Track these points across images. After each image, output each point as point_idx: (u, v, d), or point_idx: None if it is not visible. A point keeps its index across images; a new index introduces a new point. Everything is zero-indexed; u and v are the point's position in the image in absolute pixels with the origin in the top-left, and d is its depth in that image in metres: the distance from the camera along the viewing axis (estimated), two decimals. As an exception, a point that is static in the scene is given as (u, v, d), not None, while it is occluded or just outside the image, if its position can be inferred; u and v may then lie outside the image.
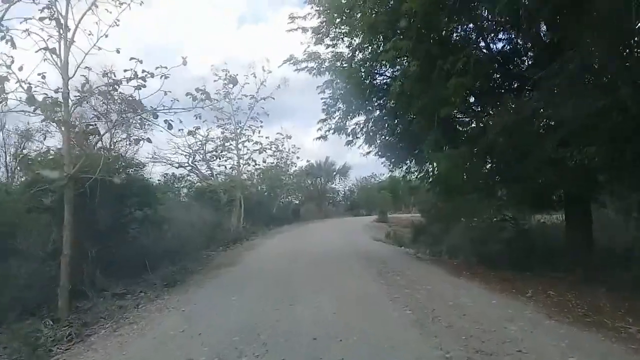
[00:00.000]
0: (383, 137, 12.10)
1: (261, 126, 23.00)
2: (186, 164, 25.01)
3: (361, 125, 12.04)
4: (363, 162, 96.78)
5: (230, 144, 23.01)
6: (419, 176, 12.76)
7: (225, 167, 24.22)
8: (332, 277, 9.66)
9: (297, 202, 44.40)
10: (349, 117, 11.92)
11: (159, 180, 23.04)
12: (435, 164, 10.48)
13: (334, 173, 51.82)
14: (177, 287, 9.48)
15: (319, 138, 12.25)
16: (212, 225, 19.67)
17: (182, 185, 27.25)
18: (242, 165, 23.62)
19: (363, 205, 54.68)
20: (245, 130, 22.87)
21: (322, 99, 12.05)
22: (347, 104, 11.78)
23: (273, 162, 31.81)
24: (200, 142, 23.62)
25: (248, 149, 23.57)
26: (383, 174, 67.81)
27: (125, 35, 26.79)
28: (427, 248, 14.71)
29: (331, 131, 12.05)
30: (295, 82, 38.26)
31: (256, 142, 23.65)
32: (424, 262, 12.26)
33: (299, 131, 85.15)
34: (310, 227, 30.42)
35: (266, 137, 24.41)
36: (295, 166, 34.16)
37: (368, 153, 12.36)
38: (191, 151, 24.31)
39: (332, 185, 54.31)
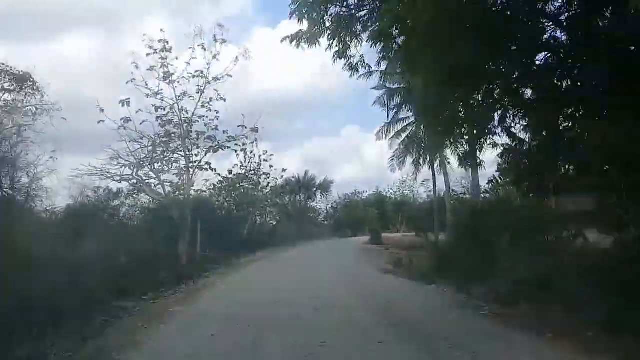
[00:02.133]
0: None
1: (217, 116, 16.73)
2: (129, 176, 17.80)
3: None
4: (345, 179, 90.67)
5: (176, 142, 16.61)
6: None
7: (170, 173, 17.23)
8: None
9: (273, 222, 38.02)
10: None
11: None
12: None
13: (315, 189, 45.69)
14: None
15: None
16: (147, 257, 13.26)
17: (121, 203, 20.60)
18: (192, 171, 17.20)
19: (348, 225, 48.61)
20: (196, 121, 16.58)
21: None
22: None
23: (241, 171, 25.58)
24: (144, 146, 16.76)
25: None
26: (366, 191, 62.02)
27: None
28: (465, 285, 9.86)
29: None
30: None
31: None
32: (497, 321, 6.40)
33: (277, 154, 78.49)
34: (292, 253, 24.06)
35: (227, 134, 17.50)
36: (269, 177, 27.88)
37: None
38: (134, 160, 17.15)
39: (313, 204, 48.15)
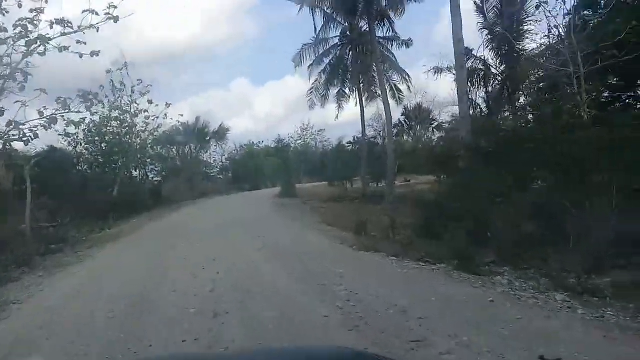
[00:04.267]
0: None
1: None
2: None
3: None
4: (235, 135, 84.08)
5: None
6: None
7: None
8: None
9: (157, 178, 31.22)
10: None
11: None
12: None
13: (208, 137, 39.06)
14: None
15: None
16: None
17: None
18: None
19: (247, 178, 43.15)
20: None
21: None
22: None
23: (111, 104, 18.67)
24: None
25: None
26: (262, 141, 56.45)
27: None
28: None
29: None
30: None
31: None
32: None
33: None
34: (183, 216, 18.31)
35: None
36: (148, 118, 21.20)
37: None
38: None
39: (206, 155, 41.47)
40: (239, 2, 72.93)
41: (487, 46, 20.52)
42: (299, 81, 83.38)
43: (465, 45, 19.95)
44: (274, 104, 75.16)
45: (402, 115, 47.00)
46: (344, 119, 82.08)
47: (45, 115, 10.25)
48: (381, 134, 46.18)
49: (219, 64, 74.97)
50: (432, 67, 21.39)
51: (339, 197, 22.80)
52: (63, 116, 10.69)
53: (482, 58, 20.84)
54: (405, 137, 52.45)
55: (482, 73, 20.99)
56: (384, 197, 21.32)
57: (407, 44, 23.60)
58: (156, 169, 32.70)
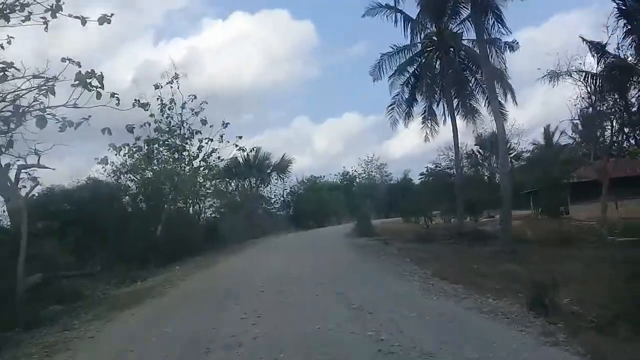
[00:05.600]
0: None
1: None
2: None
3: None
4: (295, 171, 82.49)
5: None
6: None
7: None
8: None
9: (215, 214, 28.03)
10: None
11: None
12: None
13: (269, 170, 35.85)
14: None
15: None
16: None
17: None
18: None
19: (310, 214, 39.21)
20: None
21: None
22: None
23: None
24: None
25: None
26: (323, 176, 52.47)
27: None
28: None
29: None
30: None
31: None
32: None
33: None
34: (241, 262, 14.37)
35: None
36: (202, 142, 17.92)
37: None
38: None
39: (267, 189, 37.98)
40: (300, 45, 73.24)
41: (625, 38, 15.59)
42: (356, 118, 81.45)
43: (591, 39, 15.17)
44: (331, 138, 74.64)
45: (475, 145, 41.38)
46: (406, 152, 78.67)
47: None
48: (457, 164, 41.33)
49: (278, 103, 75.77)
50: (547, 72, 16.68)
51: (427, 236, 18.20)
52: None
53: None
54: (480, 169, 46.59)
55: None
56: (487, 237, 16.58)
57: (512, 47, 19.06)
58: (214, 205, 29.78)
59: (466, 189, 21.25)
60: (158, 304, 7.73)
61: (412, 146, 74.97)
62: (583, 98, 16.14)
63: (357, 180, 53.58)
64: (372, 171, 56.22)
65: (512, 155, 49.78)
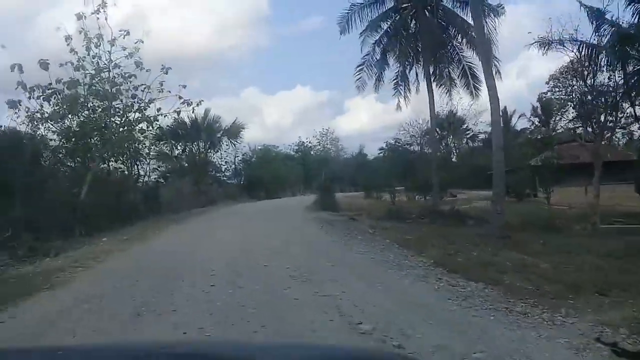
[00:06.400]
0: None
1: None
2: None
3: None
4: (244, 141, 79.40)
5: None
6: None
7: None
8: None
9: (159, 178, 25.08)
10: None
11: None
12: None
13: (219, 134, 32.87)
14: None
15: None
16: None
17: None
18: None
19: (264, 184, 36.71)
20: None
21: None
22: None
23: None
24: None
25: None
26: (277, 146, 49.52)
27: None
28: None
29: None
30: None
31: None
32: None
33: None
34: (184, 236, 11.97)
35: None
36: (136, 86, 14.79)
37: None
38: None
39: (216, 156, 34.87)
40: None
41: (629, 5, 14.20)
42: (309, 92, 79.91)
43: (590, 4, 13.72)
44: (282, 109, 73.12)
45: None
46: (357, 127, 77.64)
47: None
48: (420, 140, 40.32)
49: (228, 71, 72.28)
50: (537, 37, 15.04)
51: (398, 214, 16.64)
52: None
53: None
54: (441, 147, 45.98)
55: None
56: (464, 217, 15.30)
57: (498, 11, 17.43)
58: (159, 169, 26.70)
59: (427, 167, 19.86)
60: (47, 302, 5.23)
61: (363, 123, 73.87)
62: (575, 70, 14.83)
63: (312, 152, 51.58)
64: (327, 144, 54.58)
65: (468, 137, 49.88)
